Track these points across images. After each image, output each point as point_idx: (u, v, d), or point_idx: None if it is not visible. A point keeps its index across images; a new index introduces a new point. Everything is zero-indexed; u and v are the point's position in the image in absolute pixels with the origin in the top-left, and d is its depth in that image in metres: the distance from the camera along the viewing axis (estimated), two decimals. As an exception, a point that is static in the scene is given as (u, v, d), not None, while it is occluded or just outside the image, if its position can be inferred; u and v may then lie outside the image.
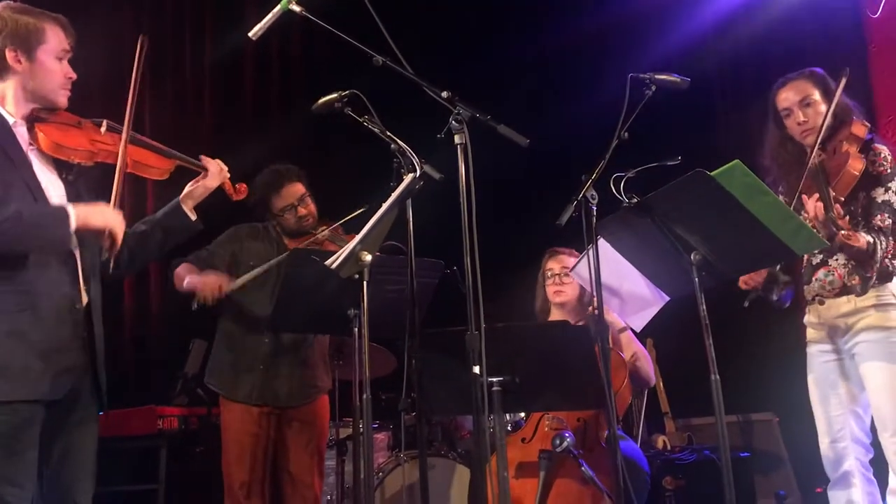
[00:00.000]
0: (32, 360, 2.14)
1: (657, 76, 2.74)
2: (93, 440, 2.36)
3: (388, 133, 2.56)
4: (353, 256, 2.43)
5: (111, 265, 2.27)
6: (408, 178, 2.42)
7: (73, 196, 2.31)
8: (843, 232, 2.60)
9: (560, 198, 2.61)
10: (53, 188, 2.28)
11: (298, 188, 3.48)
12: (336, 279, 2.48)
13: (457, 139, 2.25)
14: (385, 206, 2.44)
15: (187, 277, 3.26)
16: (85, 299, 2.27)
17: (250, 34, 2.46)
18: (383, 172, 2.60)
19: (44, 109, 2.30)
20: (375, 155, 2.71)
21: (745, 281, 2.90)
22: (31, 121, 2.28)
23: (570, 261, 3.62)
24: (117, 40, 4.90)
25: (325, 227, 3.43)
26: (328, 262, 2.43)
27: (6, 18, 2.24)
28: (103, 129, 2.37)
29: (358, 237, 2.44)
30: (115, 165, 2.34)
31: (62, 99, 2.33)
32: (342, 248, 3.18)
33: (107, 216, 2.22)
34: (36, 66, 2.26)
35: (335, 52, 5.29)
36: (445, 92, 2.29)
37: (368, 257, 2.46)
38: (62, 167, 2.33)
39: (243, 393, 3.35)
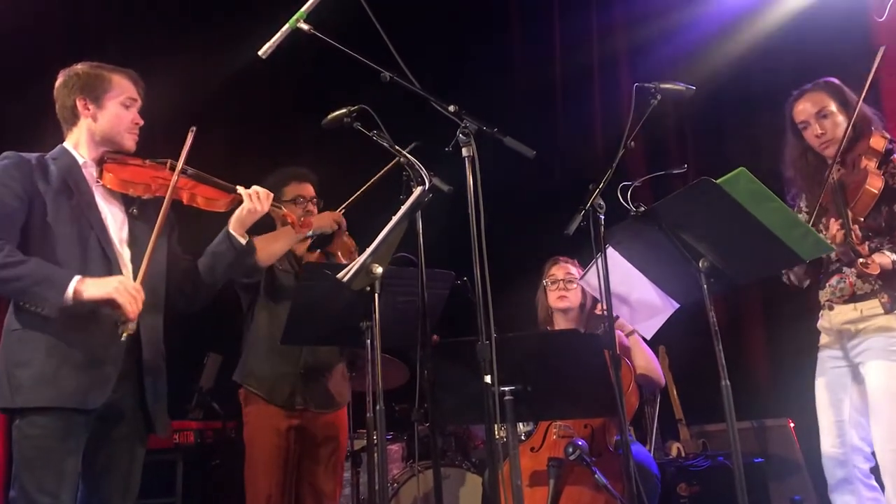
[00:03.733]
0: (69, 370, 2.31)
1: (662, 85, 2.74)
2: (135, 458, 2.49)
3: (397, 147, 2.59)
4: (364, 269, 2.46)
5: (124, 337, 2.33)
6: (417, 191, 2.45)
7: (137, 230, 2.54)
8: (861, 260, 2.60)
9: (568, 207, 2.63)
10: (116, 221, 2.51)
11: (311, 190, 3.58)
12: (348, 292, 2.51)
13: (464, 152, 2.28)
14: (395, 218, 2.47)
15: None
16: (132, 325, 2.39)
17: (260, 53, 2.50)
18: (393, 185, 2.63)
19: (112, 152, 2.55)
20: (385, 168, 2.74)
21: None
22: (101, 162, 2.52)
23: (573, 268, 3.66)
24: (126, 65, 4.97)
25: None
26: (339, 275, 2.46)
27: (80, 73, 2.55)
28: (167, 167, 2.59)
29: (369, 250, 2.46)
30: (174, 199, 2.55)
31: (128, 142, 2.58)
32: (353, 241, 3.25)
33: (109, 289, 2.31)
34: (103, 112, 2.53)
35: (345, 67, 5.35)
36: (452, 106, 2.32)
37: (379, 269, 2.49)
38: (127, 202, 2.57)
39: (283, 397, 3.35)
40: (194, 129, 2.55)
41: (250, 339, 3.46)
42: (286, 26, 2.46)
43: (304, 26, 2.45)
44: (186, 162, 2.57)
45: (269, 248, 3.27)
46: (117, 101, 2.54)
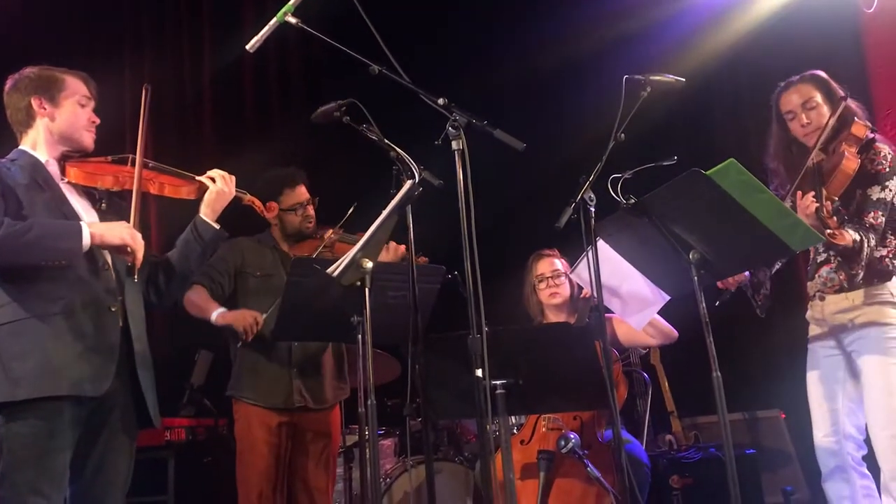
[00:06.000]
0: (72, 360, 2.31)
1: (652, 77, 2.75)
2: (127, 456, 2.48)
3: (387, 141, 2.58)
4: (354, 264, 2.45)
5: (135, 276, 2.45)
6: (407, 185, 2.44)
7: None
8: (829, 231, 2.64)
9: (558, 200, 2.63)
10: (88, 215, 2.50)
11: (305, 191, 3.56)
12: (338, 287, 2.50)
13: (454, 145, 2.27)
14: (385, 212, 2.46)
15: (217, 312, 3.27)
16: (120, 313, 2.43)
17: (247, 47, 2.48)
18: (384, 180, 2.62)
19: (72, 151, 2.53)
20: (375, 163, 2.73)
21: (722, 282, 2.95)
22: (62, 160, 2.51)
23: (557, 261, 3.67)
24: (117, 58, 4.96)
25: (329, 230, 3.46)
26: (329, 269, 2.45)
27: (32, 76, 2.54)
28: (129, 163, 2.58)
29: (358, 244, 2.45)
30: (142, 192, 2.54)
31: (87, 140, 2.56)
32: (353, 244, 3.27)
33: (122, 233, 2.38)
34: (60, 111, 2.51)
35: (333, 60, 5.33)
36: (442, 99, 2.31)
37: (369, 264, 2.48)
38: (94, 198, 2.55)
39: (282, 398, 3.33)
40: (148, 87, 2.60)
41: (238, 351, 3.44)
42: (274, 20, 2.44)
43: (292, 20, 2.43)
44: (145, 154, 2.56)
45: (189, 306, 3.33)
46: (73, 100, 2.52)
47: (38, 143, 2.51)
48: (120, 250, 2.40)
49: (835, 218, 2.68)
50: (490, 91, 5.29)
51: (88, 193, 2.55)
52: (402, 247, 3.31)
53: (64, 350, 2.30)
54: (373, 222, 2.48)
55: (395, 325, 2.62)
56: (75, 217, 2.44)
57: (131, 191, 2.50)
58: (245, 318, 3.22)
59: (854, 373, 2.90)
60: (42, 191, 2.42)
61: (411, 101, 2.43)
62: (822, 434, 2.94)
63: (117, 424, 2.43)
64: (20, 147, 2.53)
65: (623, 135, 2.68)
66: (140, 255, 2.41)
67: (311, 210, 3.53)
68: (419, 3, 5.44)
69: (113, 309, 2.41)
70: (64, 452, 2.29)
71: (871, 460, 2.89)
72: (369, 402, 2.45)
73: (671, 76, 2.77)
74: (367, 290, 2.49)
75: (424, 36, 5.24)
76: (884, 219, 2.81)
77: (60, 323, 2.32)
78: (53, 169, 2.50)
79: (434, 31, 5.47)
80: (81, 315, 2.35)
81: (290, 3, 2.44)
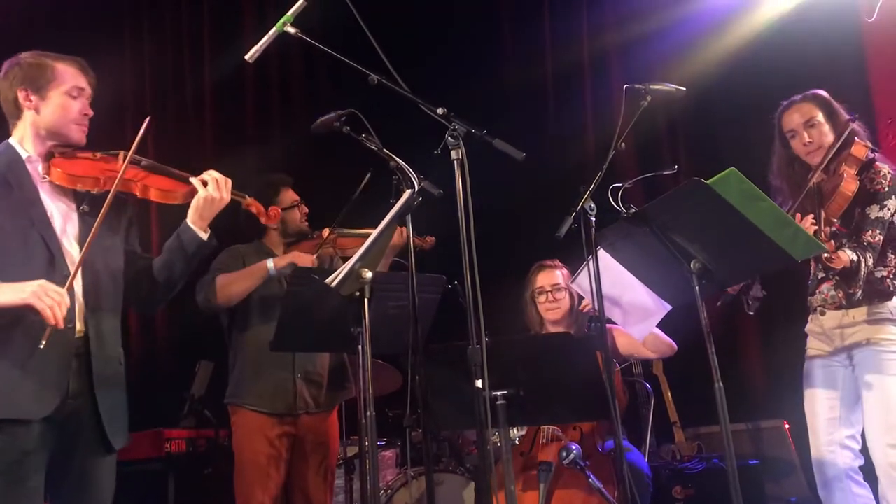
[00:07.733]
0: (18, 380, 2.19)
1: (652, 86, 2.75)
2: (108, 472, 2.40)
3: (386, 150, 2.57)
4: (354, 274, 2.44)
5: (42, 342, 2.13)
6: (406, 195, 2.43)
7: (88, 227, 2.35)
8: (825, 255, 2.68)
9: (559, 209, 2.62)
10: (64, 218, 2.37)
11: (294, 192, 3.61)
12: (337, 297, 2.48)
13: (453, 155, 2.25)
14: (384, 222, 2.45)
15: (269, 260, 3.28)
16: (80, 327, 2.30)
17: (247, 57, 2.47)
18: (383, 189, 2.61)
19: (60, 146, 2.40)
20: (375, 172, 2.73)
21: None
22: (48, 157, 2.38)
23: (558, 274, 3.61)
24: (118, 63, 4.96)
25: (325, 230, 3.47)
26: (328, 279, 2.43)
27: (22, 64, 2.40)
28: (119, 158, 2.44)
29: (357, 254, 2.44)
30: (126, 194, 2.44)
31: (76, 134, 2.42)
32: (354, 238, 3.25)
33: (24, 294, 2.13)
34: (46, 104, 2.38)
35: (334, 70, 5.34)
36: (441, 108, 2.30)
37: (369, 274, 2.46)
38: (77, 199, 2.42)
39: (286, 404, 3.32)
40: (148, 119, 2.40)
41: (238, 357, 3.42)
42: (273, 30, 2.43)
43: (291, 30, 2.43)
44: (139, 153, 2.42)
45: (228, 290, 3.29)
46: (61, 92, 2.38)
47: (25, 138, 2.40)
48: (27, 309, 2.13)
49: (832, 241, 2.73)
50: (490, 100, 5.30)
51: (75, 192, 2.41)
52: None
53: (10, 370, 2.18)
54: (366, 226, 2.47)
55: (395, 336, 2.60)
56: (44, 221, 2.31)
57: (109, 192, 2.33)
58: (303, 255, 3.27)
59: (852, 385, 2.93)
60: (11, 191, 2.30)
61: (411, 111, 2.42)
62: (820, 443, 2.95)
63: (90, 443, 2.32)
64: (9, 140, 2.42)
65: (623, 144, 2.67)
66: (55, 314, 2.11)
67: (305, 208, 3.58)
68: (419, 12, 5.45)
69: (70, 325, 2.24)
70: (37, 472, 2.21)
71: (869, 471, 2.90)
72: (369, 414, 2.43)
73: (672, 85, 2.78)
74: (366, 300, 2.47)
75: (424, 45, 5.24)
76: (881, 237, 2.85)
77: (11, 342, 2.20)
78: (35, 166, 2.38)
79: (434, 40, 5.47)
80: (35, 334, 2.16)
81: (290, 12, 2.44)
